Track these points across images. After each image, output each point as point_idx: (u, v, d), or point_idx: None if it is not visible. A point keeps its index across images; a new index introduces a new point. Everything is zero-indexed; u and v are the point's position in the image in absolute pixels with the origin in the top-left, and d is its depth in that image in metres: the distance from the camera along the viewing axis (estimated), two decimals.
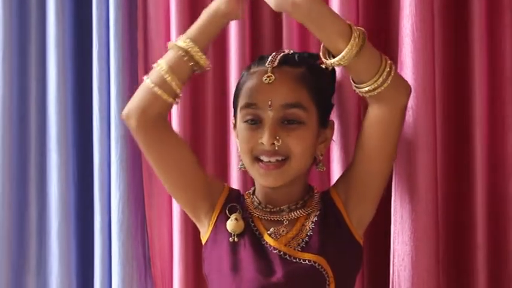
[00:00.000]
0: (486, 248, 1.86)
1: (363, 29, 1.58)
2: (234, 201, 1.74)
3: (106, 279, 2.12)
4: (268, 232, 1.69)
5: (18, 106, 2.23)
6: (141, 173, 2.10)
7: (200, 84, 2.07)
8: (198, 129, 2.07)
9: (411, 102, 1.74)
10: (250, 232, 1.69)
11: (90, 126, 2.14)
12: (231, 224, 1.69)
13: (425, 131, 1.75)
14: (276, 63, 1.68)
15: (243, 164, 1.74)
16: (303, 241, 1.67)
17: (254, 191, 1.77)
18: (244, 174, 1.84)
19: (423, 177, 1.75)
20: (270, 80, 1.65)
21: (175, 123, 2.03)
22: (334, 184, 1.78)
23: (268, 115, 1.64)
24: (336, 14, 1.62)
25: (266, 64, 1.69)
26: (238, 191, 1.81)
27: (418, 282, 1.75)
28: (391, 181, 1.80)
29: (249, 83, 1.69)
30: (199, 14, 2.05)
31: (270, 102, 1.64)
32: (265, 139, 1.63)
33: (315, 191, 1.76)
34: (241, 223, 1.69)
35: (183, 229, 2.01)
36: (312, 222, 1.69)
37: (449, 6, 1.89)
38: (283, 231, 1.69)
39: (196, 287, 2.04)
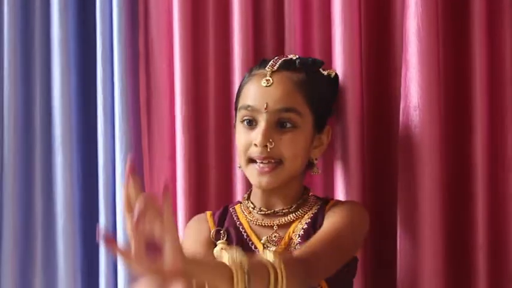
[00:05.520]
0: (486, 248, 1.86)
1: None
2: (221, 221, 1.77)
3: (111, 279, 2.12)
4: (262, 241, 1.71)
5: (23, 107, 2.23)
6: (142, 172, 2.09)
7: (203, 85, 2.06)
8: (201, 129, 2.05)
9: (417, 101, 1.74)
10: (245, 246, 1.70)
11: (95, 126, 2.14)
12: (216, 251, 1.70)
13: (430, 130, 1.75)
14: (275, 68, 1.72)
15: None
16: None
17: (249, 195, 1.79)
18: None
19: (429, 175, 1.75)
20: (268, 83, 1.70)
21: (178, 124, 2.02)
22: (334, 203, 1.75)
23: (264, 117, 1.68)
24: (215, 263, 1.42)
25: (266, 68, 1.73)
26: (223, 208, 1.82)
27: (425, 282, 1.75)
28: (396, 180, 1.80)
29: (249, 85, 1.74)
30: (200, 18, 2.06)
31: (265, 105, 1.68)
32: (258, 141, 1.67)
33: (310, 194, 1.78)
34: None
35: (184, 227, 1.97)
36: (302, 228, 1.69)
37: (450, 6, 1.89)
38: (275, 236, 1.71)
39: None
